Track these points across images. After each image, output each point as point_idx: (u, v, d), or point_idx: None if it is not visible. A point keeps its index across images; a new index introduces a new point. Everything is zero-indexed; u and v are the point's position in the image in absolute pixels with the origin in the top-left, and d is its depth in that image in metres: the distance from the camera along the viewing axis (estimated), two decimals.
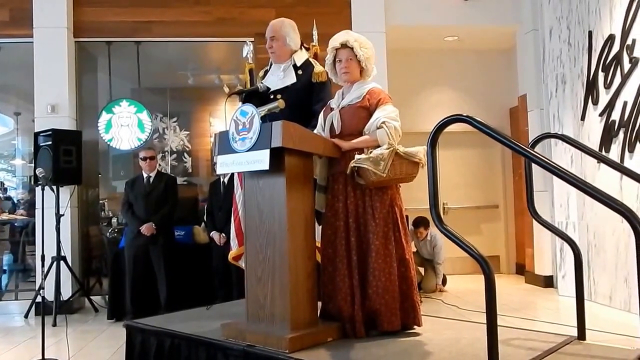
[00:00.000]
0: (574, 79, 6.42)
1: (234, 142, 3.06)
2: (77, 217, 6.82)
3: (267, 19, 4.04)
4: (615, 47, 5.63)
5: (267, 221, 3.05)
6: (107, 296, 6.33)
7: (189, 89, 7.79)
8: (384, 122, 3.12)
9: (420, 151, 3.09)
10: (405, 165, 3.08)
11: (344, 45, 3.33)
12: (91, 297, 6.58)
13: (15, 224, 7.39)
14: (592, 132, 6.02)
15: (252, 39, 5.48)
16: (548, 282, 7.05)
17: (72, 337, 4.82)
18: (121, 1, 6.98)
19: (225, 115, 3.28)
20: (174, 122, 7.43)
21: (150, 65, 7.45)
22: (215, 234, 5.84)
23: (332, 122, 3.34)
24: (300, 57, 3.87)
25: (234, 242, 3.92)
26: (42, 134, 6.37)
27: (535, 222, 4.95)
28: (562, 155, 6.40)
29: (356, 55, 3.30)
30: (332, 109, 3.40)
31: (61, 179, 6.22)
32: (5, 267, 7.20)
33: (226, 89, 3.80)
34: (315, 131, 3.45)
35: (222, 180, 5.96)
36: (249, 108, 3.04)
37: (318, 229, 3.31)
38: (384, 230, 3.14)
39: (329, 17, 6.32)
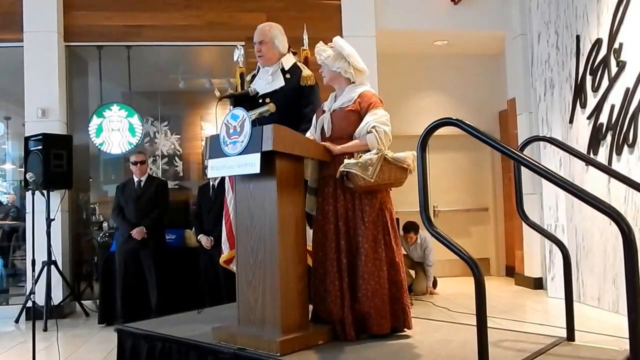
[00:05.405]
0: (562, 83, 6.47)
1: (225, 145, 3.07)
2: (68, 222, 6.80)
3: (257, 23, 4.05)
4: (603, 51, 5.69)
5: (258, 224, 3.05)
6: (98, 300, 6.31)
7: (180, 92, 7.77)
8: (374, 127, 3.14)
9: (408, 157, 3.11)
10: (393, 170, 3.10)
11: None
12: (82, 302, 6.56)
13: (6, 229, 7.34)
14: (580, 135, 6.08)
15: (243, 43, 5.50)
16: (537, 284, 7.09)
17: (63, 342, 4.80)
18: (112, 5, 6.97)
19: (216, 119, 3.29)
20: (165, 126, 7.42)
21: (141, 69, 7.44)
22: (203, 237, 5.83)
23: (323, 125, 3.36)
24: (288, 61, 3.89)
25: (225, 246, 3.92)
26: (32, 139, 6.34)
27: (524, 225, 5.00)
28: (550, 158, 6.45)
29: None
30: (324, 112, 3.42)
31: (52, 184, 6.20)
32: None
33: (217, 93, 3.81)
34: (308, 133, 3.47)
35: (211, 183, 5.96)
36: (240, 112, 3.05)
37: (309, 232, 3.32)
38: (374, 233, 3.16)
39: (319, 22, 6.36)
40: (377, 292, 3.10)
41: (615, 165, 5.36)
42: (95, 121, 6.91)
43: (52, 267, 6.09)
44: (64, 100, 6.84)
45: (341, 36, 3.51)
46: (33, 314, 4.05)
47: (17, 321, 6.23)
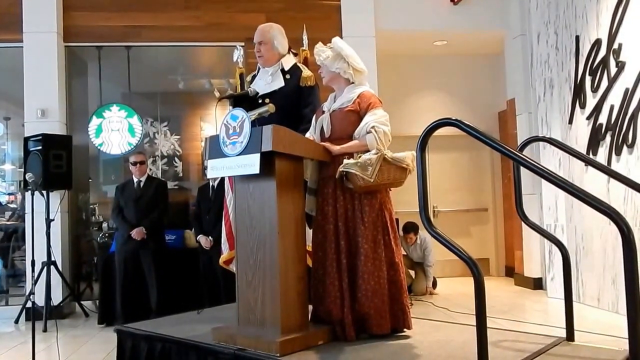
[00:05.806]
0: (562, 83, 6.48)
1: (225, 146, 3.07)
2: (68, 222, 6.79)
3: (257, 24, 4.06)
4: (602, 52, 5.69)
5: (258, 225, 3.06)
6: (97, 301, 6.31)
7: (180, 93, 7.78)
8: (373, 127, 3.14)
9: (408, 156, 3.11)
10: (393, 170, 3.10)
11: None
12: (82, 302, 6.56)
13: (11, 228, 7.34)
14: (579, 136, 6.08)
15: (243, 44, 5.49)
16: (537, 284, 7.10)
17: (63, 342, 4.81)
18: (111, 6, 6.97)
19: (216, 120, 3.30)
20: (165, 126, 7.42)
21: (140, 69, 7.45)
22: (202, 238, 5.83)
23: (322, 125, 3.36)
24: (288, 61, 3.90)
25: (225, 246, 3.92)
26: (32, 139, 6.34)
27: (524, 225, 5.00)
28: (550, 158, 6.46)
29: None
30: (323, 112, 3.42)
31: (51, 184, 6.20)
32: None
33: (217, 94, 3.81)
34: (308, 134, 3.47)
35: (211, 184, 5.96)
36: (240, 112, 3.05)
37: (309, 232, 3.32)
38: (373, 234, 3.16)
39: (319, 22, 6.36)
40: (376, 292, 3.10)
41: (615, 166, 5.36)
42: (94, 122, 6.91)
43: (52, 267, 6.08)
44: (63, 100, 6.84)
45: (341, 37, 3.53)
46: (33, 314, 4.05)
47: (16, 322, 6.23)
